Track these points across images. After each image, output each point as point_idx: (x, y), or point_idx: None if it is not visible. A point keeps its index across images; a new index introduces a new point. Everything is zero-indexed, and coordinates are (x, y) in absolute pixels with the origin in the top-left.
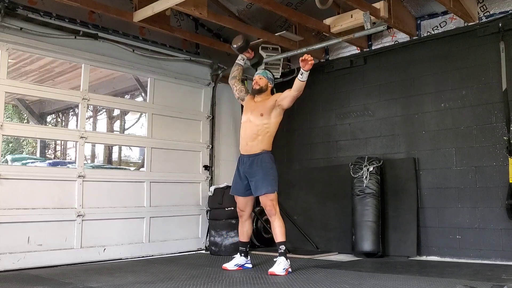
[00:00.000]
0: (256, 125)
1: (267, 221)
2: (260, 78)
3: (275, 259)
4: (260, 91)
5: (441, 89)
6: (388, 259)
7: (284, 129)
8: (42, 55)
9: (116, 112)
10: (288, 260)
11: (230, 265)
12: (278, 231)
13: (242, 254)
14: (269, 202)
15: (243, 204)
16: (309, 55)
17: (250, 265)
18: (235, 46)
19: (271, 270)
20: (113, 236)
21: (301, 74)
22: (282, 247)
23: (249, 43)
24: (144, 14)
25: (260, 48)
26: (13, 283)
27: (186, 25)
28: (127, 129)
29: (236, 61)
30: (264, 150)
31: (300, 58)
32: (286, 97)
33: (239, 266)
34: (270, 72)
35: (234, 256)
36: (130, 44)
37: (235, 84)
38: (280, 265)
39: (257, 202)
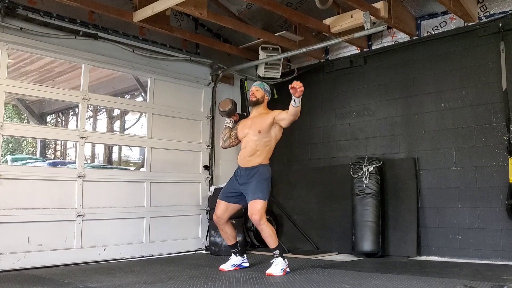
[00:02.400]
0: (254, 140)
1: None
2: (257, 89)
3: (271, 261)
4: (257, 102)
5: (441, 89)
6: (388, 259)
7: (284, 129)
8: (42, 55)
9: (116, 112)
10: (286, 260)
11: (226, 266)
12: (270, 240)
13: (237, 254)
14: (255, 211)
15: (223, 210)
16: (298, 82)
17: (247, 264)
18: (224, 110)
19: (268, 271)
20: (113, 236)
21: (294, 101)
22: (277, 252)
23: (236, 106)
24: (144, 14)
25: (260, 48)
26: (13, 283)
27: (186, 25)
28: (127, 129)
29: (225, 125)
30: (261, 163)
31: (290, 86)
32: (284, 120)
33: (236, 266)
34: (268, 84)
35: (230, 257)
36: (130, 44)
37: (231, 141)
38: (278, 266)
39: None
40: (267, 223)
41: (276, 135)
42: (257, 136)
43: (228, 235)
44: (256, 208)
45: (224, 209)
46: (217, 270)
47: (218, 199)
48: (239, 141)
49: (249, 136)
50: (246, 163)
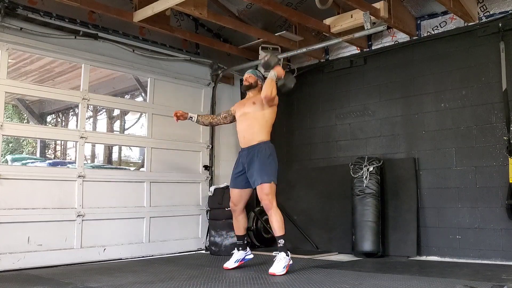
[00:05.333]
0: (251, 114)
1: (267, 221)
2: (249, 76)
3: (274, 253)
4: (250, 87)
5: (441, 89)
6: (388, 259)
7: (284, 129)
8: (42, 55)
9: (116, 112)
10: (289, 254)
11: (230, 264)
12: (276, 225)
13: (240, 248)
14: (264, 195)
15: (238, 197)
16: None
17: (251, 255)
18: (265, 62)
19: (271, 270)
20: (113, 236)
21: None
22: (281, 241)
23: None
24: (144, 14)
25: (260, 48)
26: (13, 283)
27: (186, 25)
28: (127, 129)
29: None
30: (262, 141)
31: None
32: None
33: (240, 261)
34: (260, 71)
35: (233, 252)
36: (130, 44)
37: (216, 120)
38: (280, 263)
39: (258, 202)
40: (277, 210)
41: (270, 106)
42: (253, 108)
43: (240, 225)
44: (264, 193)
45: (238, 196)
46: (217, 270)
47: (230, 188)
48: (229, 110)
49: (245, 113)
50: (246, 142)
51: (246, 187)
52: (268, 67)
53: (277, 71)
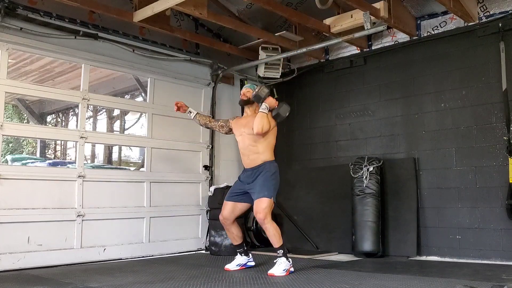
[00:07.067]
0: (251, 137)
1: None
2: (247, 90)
3: (275, 261)
4: (247, 102)
5: (441, 89)
6: (388, 259)
7: (284, 129)
8: (42, 55)
9: (116, 112)
10: (290, 260)
11: (232, 266)
12: (274, 239)
13: (242, 254)
14: (261, 209)
15: (229, 211)
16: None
17: (252, 263)
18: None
19: (270, 271)
20: (113, 236)
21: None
22: (280, 251)
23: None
24: (144, 14)
25: (260, 48)
26: (13, 283)
27: (186, 25)
28: (127, 129)
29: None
30: (266, 160)
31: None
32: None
33: (242, 266)
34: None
35: (235, 257)
36: (130, 44)
37: (212, 124)
38: (280, 266)
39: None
40: (272, 222)
41: (270, 126)
42: (252, 131)
43: (234, 235)
44: (261, 207)
45: (230, 210)
46: (217, 270)
47: (224, 201)
48: (226, 122)
49: (245, 134)
50: (251, 163)
51: (241, 201)
52: (259, 99)
53: (268, 103)
